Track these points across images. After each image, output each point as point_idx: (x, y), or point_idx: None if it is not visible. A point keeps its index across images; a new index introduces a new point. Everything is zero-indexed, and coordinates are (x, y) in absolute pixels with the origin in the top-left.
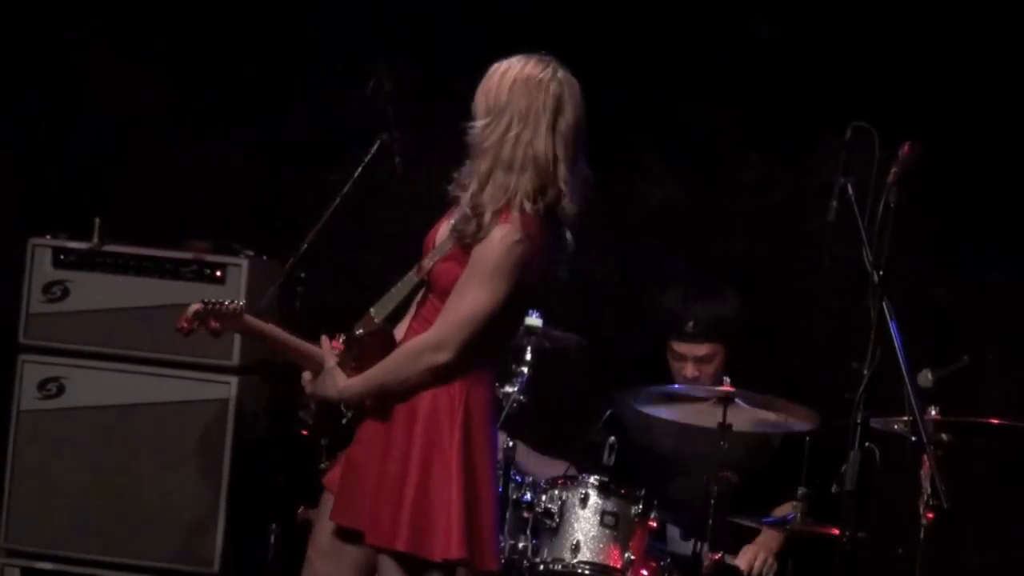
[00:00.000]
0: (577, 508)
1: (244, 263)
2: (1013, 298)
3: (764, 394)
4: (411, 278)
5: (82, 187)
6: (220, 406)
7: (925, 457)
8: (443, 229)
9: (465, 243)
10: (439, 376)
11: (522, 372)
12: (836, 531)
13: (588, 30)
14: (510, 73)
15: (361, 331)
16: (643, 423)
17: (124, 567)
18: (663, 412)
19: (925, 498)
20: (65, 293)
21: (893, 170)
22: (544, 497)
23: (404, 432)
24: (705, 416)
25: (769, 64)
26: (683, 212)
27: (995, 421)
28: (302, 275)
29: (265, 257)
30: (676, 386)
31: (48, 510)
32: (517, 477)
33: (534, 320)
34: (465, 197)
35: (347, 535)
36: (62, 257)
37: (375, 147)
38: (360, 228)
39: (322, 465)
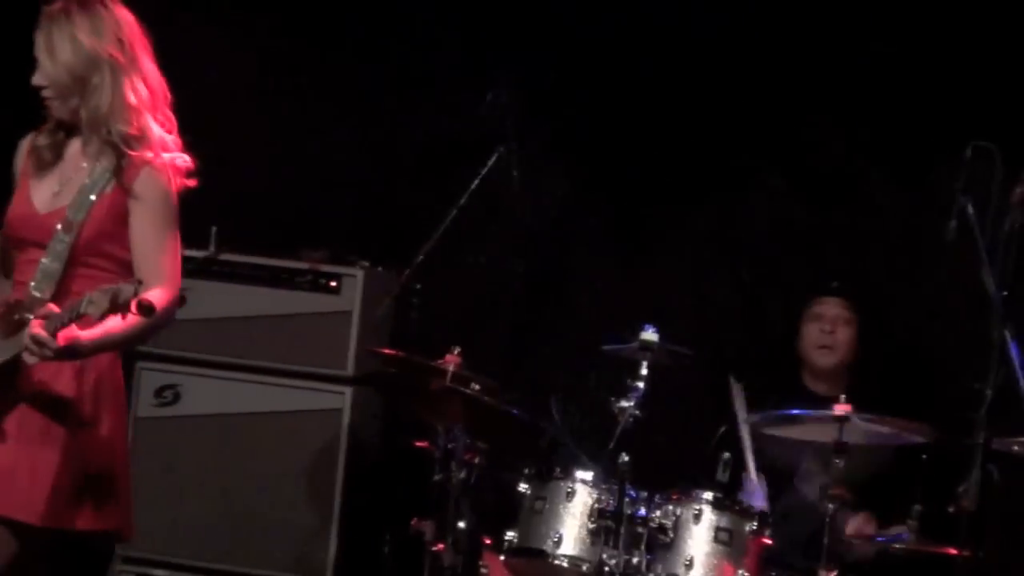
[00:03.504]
0: (691, 524)
1: (359, 274)
2: None
3: (881, 415)
4: None
5: (199, 195)
6: (334, 416)
7: None
8: None
9: None
10: None
11: (637, 387)
12: (953, 551)
13: (711, 50)
14: None
15: None
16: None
17: (237, 575)
18: (779, 428)
19: None
20: (181, 300)
21: (1017, 189)
22: (658, 512)
23: None
24: (821, 433)
25: (889, 83)
26: (801, 229)
27: None
28: (417, 286)
29: (380, 268)
30: (794, 411)
31: (163, 517)
32: (631, 492)
33: (650, 335)
34: None
35: None
36: None
37: (493, 159)
38: (476, 240)
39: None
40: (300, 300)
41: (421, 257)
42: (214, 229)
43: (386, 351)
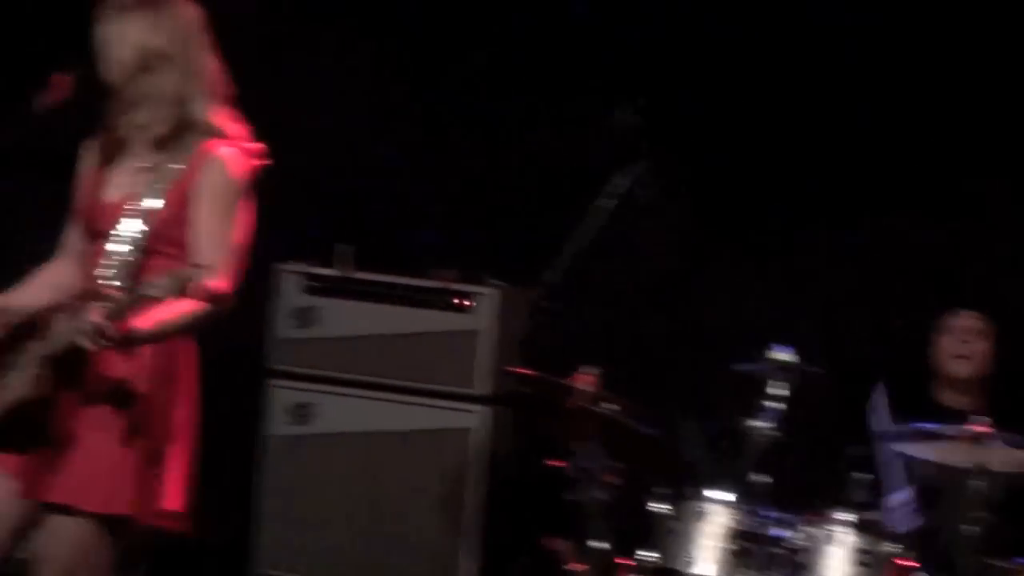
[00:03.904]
0: (828, 545)
1: (492, 293)
2: None
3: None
4: None
5: (332, 215)
6: (466, 435)
7: None
8: None
9: None
10: None
11: (772, 407)
12: None
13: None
14: None
15: None
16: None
17: None
18: (916, 449)
19: None
20: (315, 319)
21: None
22: (794, 533)
23: None
24: (960, 454)
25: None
26: (933, 245)
27: None
28: (551, 305)
29: (513, 287)
30: (930, 424)
31: (296, 536)
32: (767, 513)
33: (784, 354)
34: None
35: None
36: (312, 283)
37: (624, 177)
38: (608, 258)
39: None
40: (433, 319)
41: (554, 276)
42: (348, 248)
43: (520, 370)
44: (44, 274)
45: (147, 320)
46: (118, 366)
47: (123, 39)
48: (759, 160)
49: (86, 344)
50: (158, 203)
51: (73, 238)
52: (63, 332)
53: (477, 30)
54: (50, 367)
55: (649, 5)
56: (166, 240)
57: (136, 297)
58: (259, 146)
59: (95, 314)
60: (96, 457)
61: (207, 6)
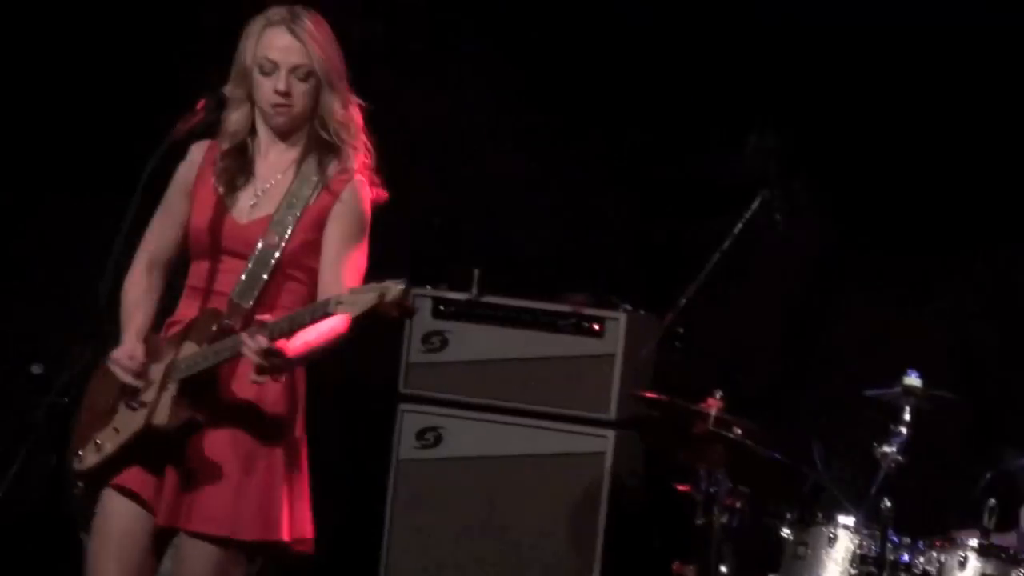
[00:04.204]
0: (956, 571)
1: (622, 317)
2: None
3: None
4: None
5: (462, 239)
6: (597, 460)
7: None
8: None
9: None
10: None
11: (900, 432)
12: None
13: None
14: None
15: None
16: None
17: None
18: None
19: None
20: (444, 343)
21: None
22: (922, 559)
23: None
24: None
25: None
26: None
27: None
28: (680, 330)
29: (643, 311)
30: None
31: (425, 558)
32: (894, 538)
33: (913, 379)
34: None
35: None
36: (442, 307)
37: (756, 202)
38: (739, 283)
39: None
40: (563, 343)
41: (684, 300)
42: (477, 272)
43: (649, 394)
44: (136, 291)
45: (299, 343)
46: (251, 390)
47: (288, 61)
48: (894, 186)
49: (261, 366)
50: (293, 226)
51: (161, 245)
52: (199, 355)
53: (606, 55)
54: (187, 391)
55: (783, 33)
56: (296, 264)
57: (303, 318)
58: (381, 177)
59: (260, 338)
60: (242, 485)
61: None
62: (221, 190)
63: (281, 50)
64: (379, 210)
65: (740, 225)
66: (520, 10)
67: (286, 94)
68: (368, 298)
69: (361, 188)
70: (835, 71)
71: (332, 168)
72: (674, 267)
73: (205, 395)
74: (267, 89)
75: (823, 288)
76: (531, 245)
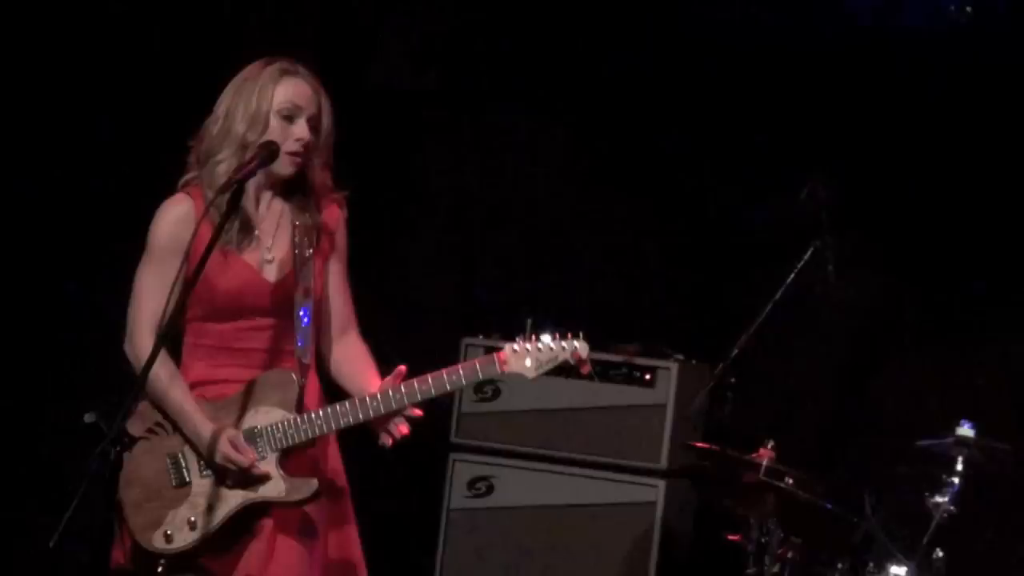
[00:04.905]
0: None
1: (674, 367)
2: None
3: None
4: None
5: (515, 288)
6: (648, 509)
7: None
8: None
9: None
10: None
11: (953, 482)
12: None
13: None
14: None
15: None
16: None
17: None
18: None
19: None
20: (496, 393)
21: None
22: None
23: None
24: None
25: None
26: None
27: None
28: (732, 380)
29: (695, 361)
30: None
31: None
32: None
33: (966, 430)
34: None
35: None
36: None
37: (808, 253)
38: (790, 334)
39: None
40: (614, 393)
41: (736, 351)
42: (529, 321)
43: (700, 444)
44: (165, 369)
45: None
46: (334, 451)
47: (309, 110)
48: (945, 233)
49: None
50: (313, 276)
51: (160, 309)
52: (304, 420)
53: (659, 105)
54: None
55: (838, 86)
56: (320, 307)
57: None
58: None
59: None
60: (347, 553)
61: (389, 84)
62: (232, 247)
63: (306, 99)
64: (432, 260)
65: (792, 275)
66: (569, 62)
67: (307, 144)
68: (560, 352)
69: (343, 217)
70: (886, 121)
71: (319, 205)
72: (726, 317)
73: (291, 460)
74: (287, 136)
75: (875, 337)
76: (583, 295)
